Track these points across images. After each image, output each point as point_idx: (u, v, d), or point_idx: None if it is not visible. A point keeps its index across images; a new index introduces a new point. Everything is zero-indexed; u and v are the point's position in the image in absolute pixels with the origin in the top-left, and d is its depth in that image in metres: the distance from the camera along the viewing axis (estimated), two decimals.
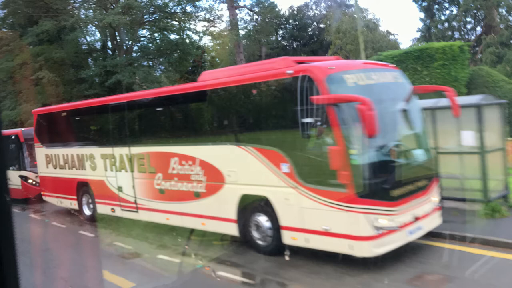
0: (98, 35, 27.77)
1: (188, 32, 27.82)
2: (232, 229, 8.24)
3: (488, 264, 6.55)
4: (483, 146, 8.75)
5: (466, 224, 8.09)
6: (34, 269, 7.81)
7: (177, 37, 27.53)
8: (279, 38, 42.66)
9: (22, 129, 16.02)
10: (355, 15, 30.40)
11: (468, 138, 8.82)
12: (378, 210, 6.52)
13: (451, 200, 8.96)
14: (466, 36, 32.40)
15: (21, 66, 23.38)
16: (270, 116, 7.81)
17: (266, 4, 33.31)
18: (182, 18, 27.21)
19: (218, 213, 8.38)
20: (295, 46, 42.53)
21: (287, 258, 7.44)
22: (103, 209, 11.40)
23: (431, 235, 7.71)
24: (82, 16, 25.95)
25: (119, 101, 11.09)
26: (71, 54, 24.91)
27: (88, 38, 27.45)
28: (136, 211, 10.35)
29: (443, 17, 33.19)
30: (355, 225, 6.50)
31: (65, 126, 12.79)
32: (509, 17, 30.64)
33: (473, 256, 6.94)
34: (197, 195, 8.74)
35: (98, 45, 28.11)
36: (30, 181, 15.37)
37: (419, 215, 7.17)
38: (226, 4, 29.67)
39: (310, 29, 42.24)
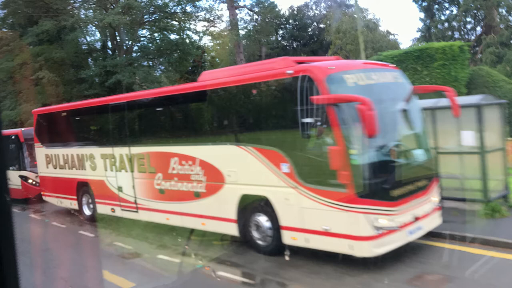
0: (98, 35, 27.78)
1: (188, 32, 27.83)
2: (232, 229, 8.23)
3: (488, 264, 6.55)
4: (483, 146, 8.75)
5: (466, 224, 8.08)
6: (34, 269, 7.80)
7: (177, 37, 27.52)
8: (279, 38, 42.64)
9: (22, 129, 16.01)
10: (355, 15, 30.40)
11: (468, 138, 8.82)
12: (378, 210, 6.51)
13: (451, 200, 8.95)
14: (466, 36, 32.39)
15: (21, 66, 23.38)
16: (270, 116, 7.80)
17: (266, 4, 33.30)
18: (182, 18, 27.21)
19: (218, 213, 8.37)
20: (295, 46, 42.50)
21: (287, 258, 7.43)
22: (103, 209, 11.39)
23: (431, 235, 7.71)
24: (82, 16, 25.94)
25: (119, 101, 11.08)
26: (71, 54, 24.91)
27: (88, 38, 27.45)
28: (136, 211, 10.34)
29: (443, 17, 33.19)
30: (355, 225, 6.49)
31: (65, 126, 12.78)
32: (509, 17, 30.63)
33: (473, 256, 6.94)
34: (197, 195, 8.73)
35: (98, 45, 28.10)
36: (30, 181, 15.37)
37: (419, 215, 7.16)
38: (226, 4, 29.67)
39: (310, 29, 42.22)
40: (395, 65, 8.69)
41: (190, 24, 27.78)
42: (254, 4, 33.15)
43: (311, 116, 6.74)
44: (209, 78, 8.98)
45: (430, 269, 6.61)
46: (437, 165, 8.26)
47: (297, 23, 42.15)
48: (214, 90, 8.59)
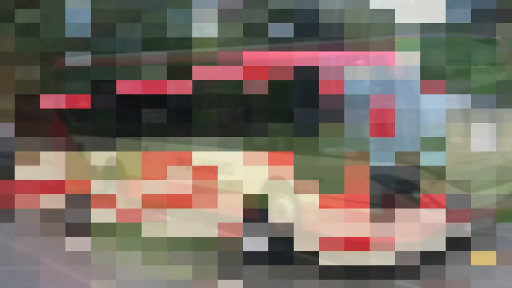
0: (87, 24, 27.31)
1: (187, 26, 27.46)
2: (235, 234, 8.13)
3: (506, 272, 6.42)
4: (498, 148, 8.37)
5: (481, 229, 7.84)
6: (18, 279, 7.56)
7: (174, 30, 27.11)
8: None
9: None
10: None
11: (485, 139, 8.45)
12: (392, 215, 6.33)
13: (466, 204, 8.62)
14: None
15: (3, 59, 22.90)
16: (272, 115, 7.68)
17: None
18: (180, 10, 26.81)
19: (222, 218, 8.41)
20: None
21: (288, 263, 7.25)
22: (98, 212, 10.93)
23: (447, 241, 7.40)
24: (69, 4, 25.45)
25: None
26: (57, 45, 24.43)
27: (77, 30, 26.94)
28: (135, 216, 10.01)
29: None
30: (363, 230, 6.35)
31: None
32: None
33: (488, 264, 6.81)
34: (197, 197, 8.68)
35: (86, 37, 27.59)
36: None
37: (435, 221, 6.94)
38: None
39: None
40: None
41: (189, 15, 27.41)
42: None
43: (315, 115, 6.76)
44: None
45: (444, 276, 6.48)
46: (449, 168, 7.92)
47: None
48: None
